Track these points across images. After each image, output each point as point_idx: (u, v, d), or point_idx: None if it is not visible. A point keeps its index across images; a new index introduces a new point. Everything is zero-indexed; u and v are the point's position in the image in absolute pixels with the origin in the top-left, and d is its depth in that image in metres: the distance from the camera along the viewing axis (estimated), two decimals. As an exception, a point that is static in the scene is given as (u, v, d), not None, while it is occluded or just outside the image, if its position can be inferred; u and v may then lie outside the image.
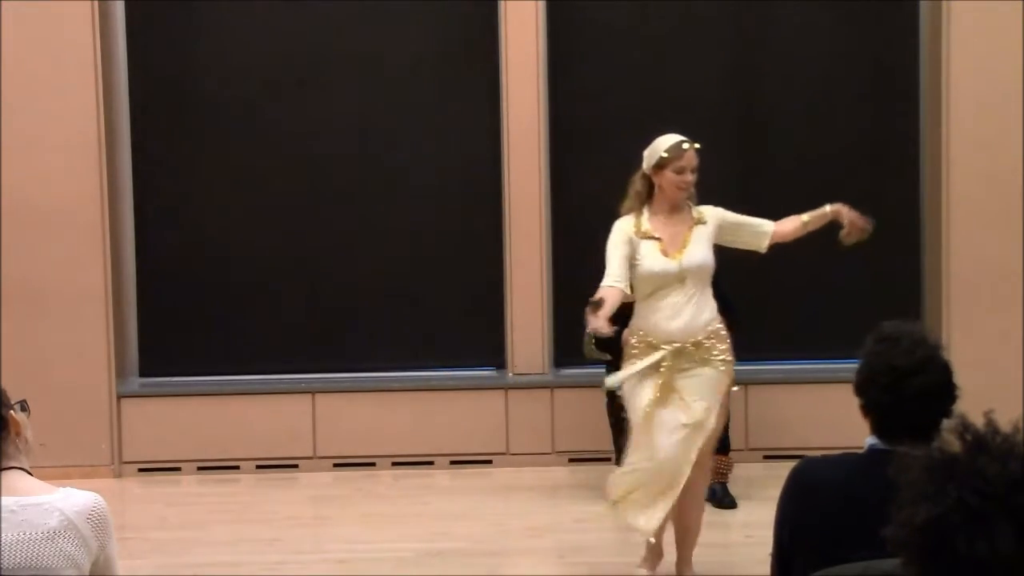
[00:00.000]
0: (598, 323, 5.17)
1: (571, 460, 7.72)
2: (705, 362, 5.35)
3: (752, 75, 7.90)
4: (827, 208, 5.54)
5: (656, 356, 5.31)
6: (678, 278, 5.35)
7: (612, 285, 5.33)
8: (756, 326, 7.50)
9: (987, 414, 1.75)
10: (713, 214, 5.50)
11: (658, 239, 5.38)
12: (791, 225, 5.58)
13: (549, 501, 7.10)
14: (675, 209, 5.45)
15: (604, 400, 7.05)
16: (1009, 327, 7.45)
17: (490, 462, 7.75)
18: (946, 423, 1.83)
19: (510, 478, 7.53)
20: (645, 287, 5.40)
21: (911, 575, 1.72)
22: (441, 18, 7.85)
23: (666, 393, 5.30)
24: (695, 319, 5.35)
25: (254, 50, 7.86)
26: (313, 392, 7.81)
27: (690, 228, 5.42)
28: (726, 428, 6.92)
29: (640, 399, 5.35)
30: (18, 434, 2.81)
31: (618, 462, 7.02)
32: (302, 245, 7.92)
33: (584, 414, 7.55)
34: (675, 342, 5.31)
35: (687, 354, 5.32)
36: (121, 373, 7.77)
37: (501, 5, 7.68)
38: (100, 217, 7.56)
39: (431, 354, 7.93)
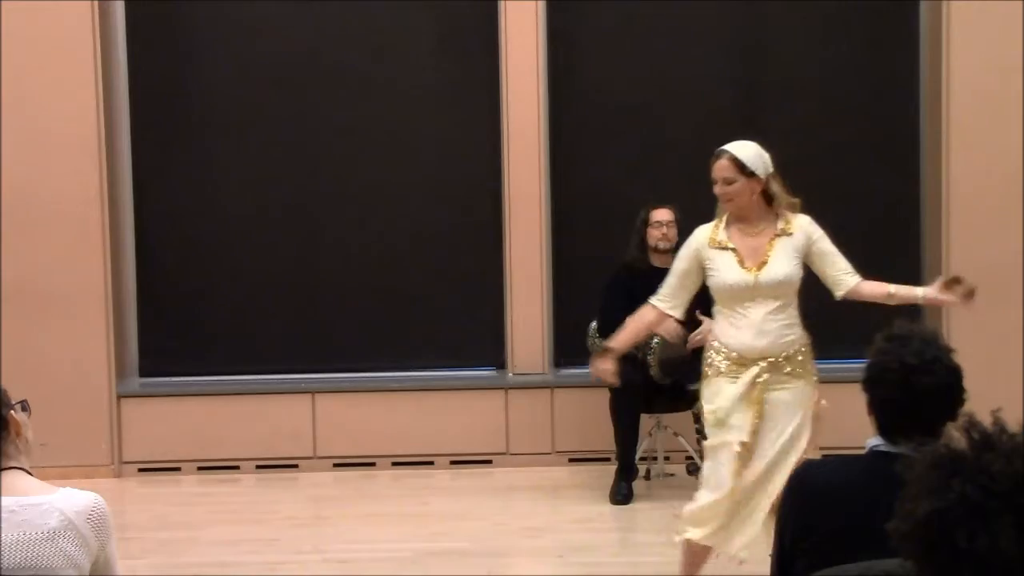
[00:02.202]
0: (602, 367, 5.14)
1: (571, 460, 7.72)
2: (798, 376, 5.04)
3: (752, 75, 7.90)
4: (919, 293, 5.11)
5: (751, 373, 4.97)
6: (757, 292, 5.00)
7: (654, 305, 5.22)
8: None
9: (995, 413, 1.75)
10: (803, 226, 5.11)
11: (733, 250, 5.05)
12: (874, 290, 5.14)
13: (549, 501, 7.10)
14: (745, 220, 5.09)
15: (607, 400, 7.07)
16: (1009, 326, 7.45)
17: (490, 462, 7.75)
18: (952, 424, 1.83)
19: (510, 478, 7.53)
20: (722, 299, 5.10)
21: (912, 569, 1.72)
22: (441, 18, 7.85)
23: (757, 417, 4.97)
24: (781, 335, 5.02)
25: (254, 50, 7.86)
26: (313, 392, 7.81)
27: (771, 240, 5.06)
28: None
29: (732, 427, 4.98)
30: (18, 434, 2.81)
31: (619, 462, 7.05)
32: (302, 245, 7.93)
33: (584, 414, 7.55)
34: (768, 357, 4.98)
35: (778, 367, 4.99)
36: (121, 373, 7.77)
37: (501, 5, 7.68)
38: (100, 217, 7.57)
39: (431, 354, 7.93)
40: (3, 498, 2.70)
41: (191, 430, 7.75)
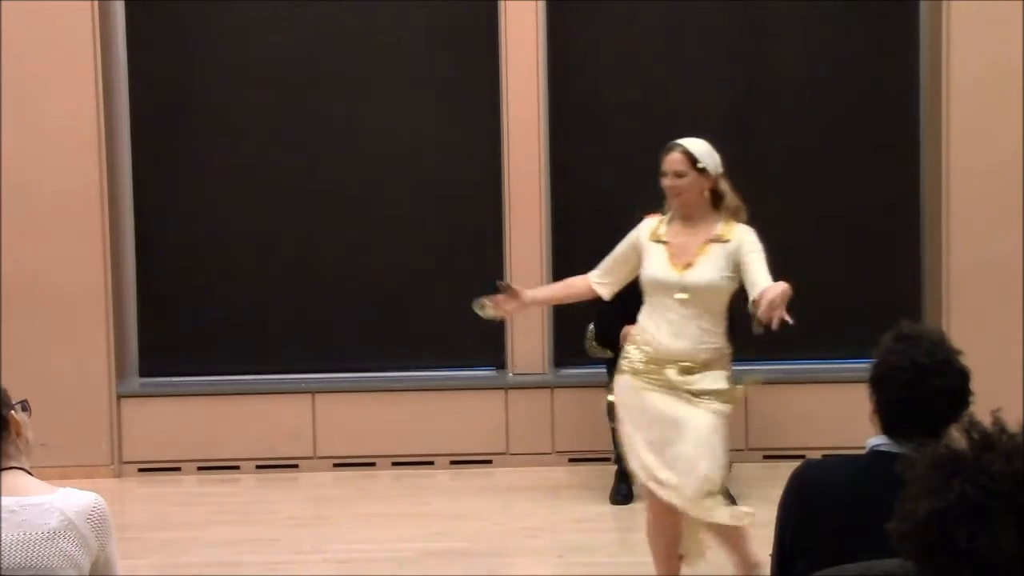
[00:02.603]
0: (494, 304, 5.20)
1: (571, 460, 7.72)
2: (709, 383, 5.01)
3: (751, 74, 7.90)
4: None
5: (663, 374, 4.99)
6: (679, 291, 4.99)
7: (587, 276, 5.27)
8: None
9: (995, 413, 1.75)
10: (740, 235, 5.04)
11: (667, 244, 5.07)
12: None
13: (549, 501, 7.10)
14: (688, 218, 5.09)
15: (605, 400, 7.07)
16: (1009, 326, 7.45)
17: (490, 462, 7.75)
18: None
19: (510, 478, 7.53)
20: (647, 293, 5.12)
21: (912, 569, 1.72)
22: (441, 18, 7.85)
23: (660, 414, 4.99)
24: (699, 340, 5.01)
25: (253, 50, 7.86)
26: (313, 392, 7.80)
27: (704, 243, 5.04)
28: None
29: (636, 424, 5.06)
30: (18, 434, 2.81)
31: (618, 464, 7.05)
32: (302, 244, 7.92)
33: (584, 414, 7.55)
34: (681, 361, 4.99)
35: (690, 372, 5.00)
36: (121, 373, 7.76)
37: (501, 5, 7.68)
38: (100, 217, 7.56)
39: (431, 354, 7.93)
40: (3, 498, 2.70)
41: (191, 430, 7.75)
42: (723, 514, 5.02)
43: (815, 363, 7.78)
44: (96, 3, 7.53)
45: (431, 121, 7.90)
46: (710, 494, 4.96)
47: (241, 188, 7.90)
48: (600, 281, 5.27)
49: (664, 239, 5.10)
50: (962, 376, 2.93)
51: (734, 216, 5.09)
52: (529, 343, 7.78)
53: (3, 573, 2.65)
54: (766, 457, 7.58)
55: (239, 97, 7.88)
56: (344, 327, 7.93)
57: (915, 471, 1.72)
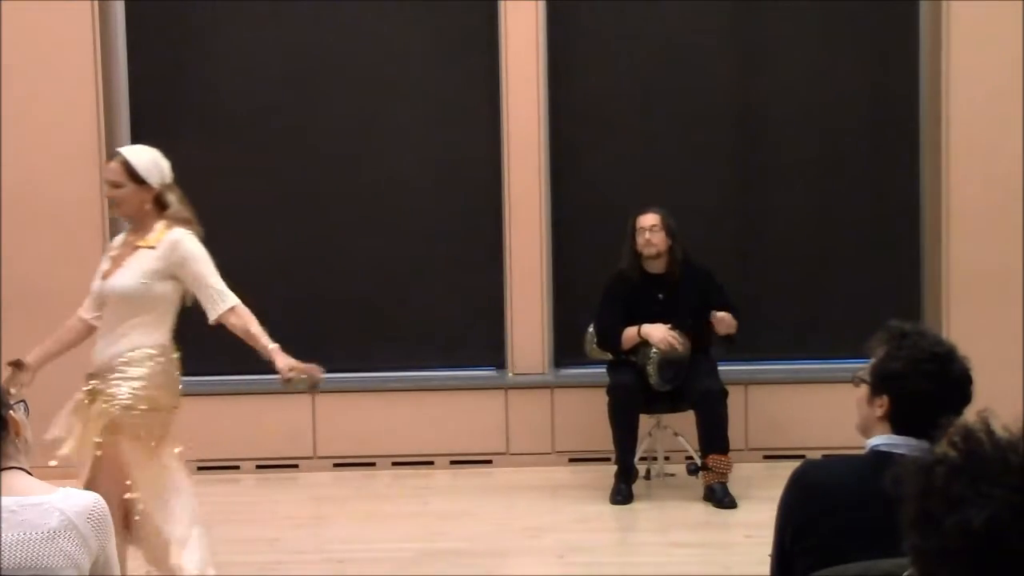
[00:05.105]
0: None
1: (571, 460, 7.72)
2: (134, 396, 4.91)
3: (751, 76, 7.90)
4: (269, 346, 5.12)
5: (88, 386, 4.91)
6: (105, 300, 4.98)
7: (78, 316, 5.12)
8: (756, 326, 7.51)
9: (981, 413, 1.74)
10: (168, 242, 4.96)
11: (113, 256, 5.02)
12: (237, 323, 5.15)
13: (549, 501, 7.10)
14: (135, 229, 5.02)
15: (605, 400, 7.07)
16: (1009, 327, 7.45)
17: (490, 462, 7.75)
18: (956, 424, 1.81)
19: (510, 478, 7.53)
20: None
21: (913, 571, 1.71)
22: (441, 18, 7.85)
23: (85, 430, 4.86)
24: (109, 348, 4.94)
25: (254, 50, 7.86)
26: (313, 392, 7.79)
27: (135, 250, 4.96)
28: (725, 427, 6.94)
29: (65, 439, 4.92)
30: (18, 434, 2.81)
31: (618, 464, 7.06)
32: (302, 244, 7.92)
33: (584, 414, 7.55)
34: (105, 371, 4.91)
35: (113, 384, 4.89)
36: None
37: (501, 5, 7.68)
38: (100, 217, 7.56)
39: (431, 354, 7.93)
40: (3, 498, 2.70)
41: (191, 430, 7.73)
42: None
43: (815, 363, 7.78)
44: (96, 3, 7.54)
45: (431, 121, 7.90)
46: None
47: (241, 187, 7.89)
48: (89, 316, 5.13)
49: (113, 251, 5.05)
50: (967, 363, 2.96)
51: (181, 224, 5.01)
52: (529, 343, 7.78)
53: (3, 573, 2.65)
54: (766, 457, 7.58)
55: (239, 97, 7.88)
56: (344, 327, 7.93)
57: (933, 481, 1.69)
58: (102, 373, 4.94)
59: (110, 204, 5.06)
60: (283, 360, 5.01)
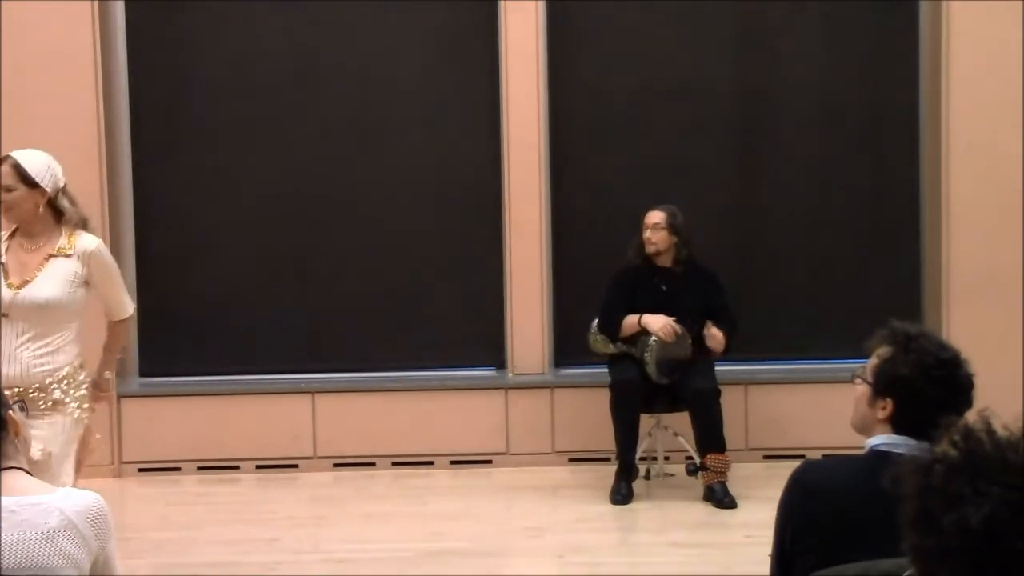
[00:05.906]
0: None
1: (571, 460, 7.72)
2: (53, 410, 4.77)
3: (751, 75, 7.90)
4: (104, 370, 5.09)
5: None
6: (14, 311, 4.78)
7: None
8: (756, 326, 7.51)
9: (982, 412, 1.74)
10: (83, 248, 4.88)
11: (2, 264, 4.84)
12: (115, 334, 5.13)
13: (549, 501, 7.10)
14: (28, 234, 4.88)
15: (607, 400, 7.07)
16: (1008, 327, 7.44)
17: (490, 462, 7.75)
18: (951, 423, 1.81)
19: (510, 478, 7.53)
20: None
21: (913, 570, 1.70)
22: (441, 18, 7.85)
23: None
24: (34, 364, 4.78)
25: (254, 51, 7.86)
26: (313, 392, 7.80)
27: (46, 258, 4.85)
28: (720, 426, 6.94)
29: None
30: (17, 434, 2.81)
31: (618, 463, 7.06)
32: (302, 245, 7.92)
33: (584, 414, 7.55)
34: (17, 387, 4.69)
35: (32, 401, 4.70)
36: (121, 373, 7.75)
37: (501, 5, 7.68)
38: (100, 217, 7.55)
39: (431, 354, 7.93)
40: (3, 498, 2.69)
41: (191, 430, 7.75)
42: None
43: (815, 363, 7.79)
44: (96, 3, 7.54)
45: (431, 121, 7.90)
46: None
47: (241, 188, 7.90)
48: None
49: (2, 260, 4.87)
50: (969, 365, 2.97)
51: (81, 228, 4.94)
52: (529, 343, 7.78)
53: (3, 573, 2.65)
54: (766, 457, 7.58)
55: (239, 98, 7.88)
56: (344, 327, 7.93)
57: (930, 482, 1.69)
58: (16, 388, 4.72)
59: (2, 209, 4.91)
60: (94, 392, 5.05)
